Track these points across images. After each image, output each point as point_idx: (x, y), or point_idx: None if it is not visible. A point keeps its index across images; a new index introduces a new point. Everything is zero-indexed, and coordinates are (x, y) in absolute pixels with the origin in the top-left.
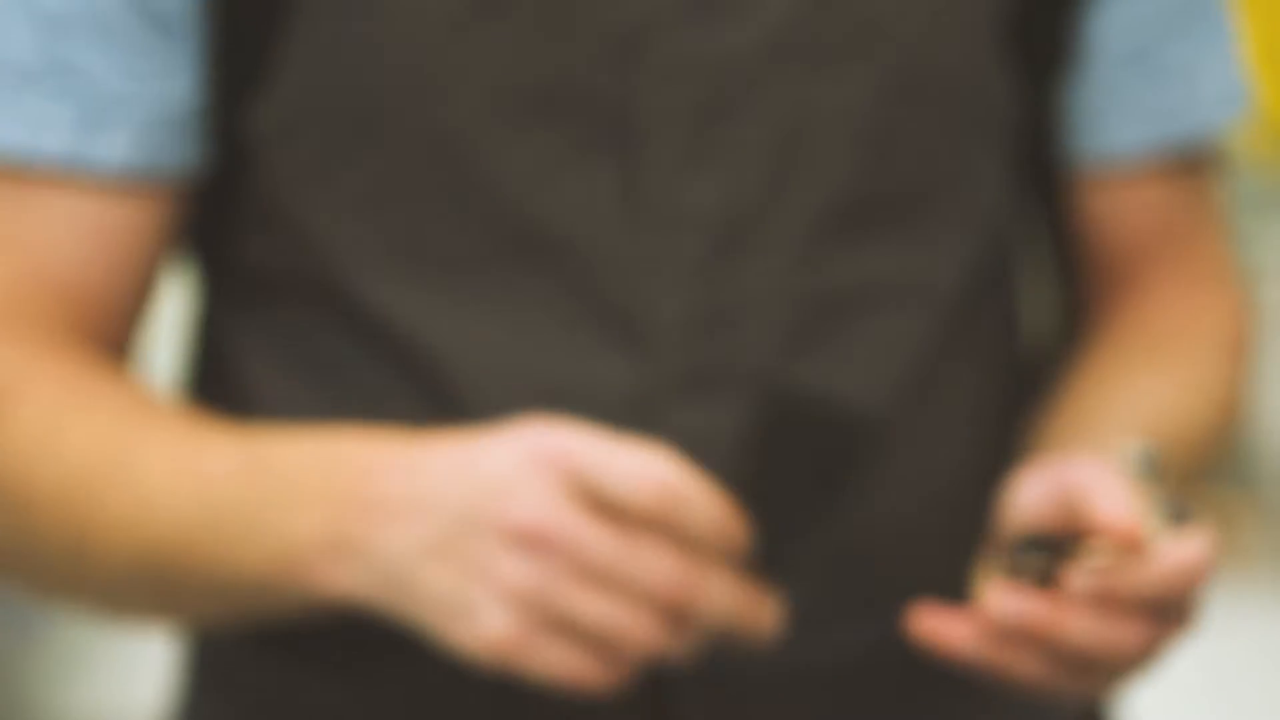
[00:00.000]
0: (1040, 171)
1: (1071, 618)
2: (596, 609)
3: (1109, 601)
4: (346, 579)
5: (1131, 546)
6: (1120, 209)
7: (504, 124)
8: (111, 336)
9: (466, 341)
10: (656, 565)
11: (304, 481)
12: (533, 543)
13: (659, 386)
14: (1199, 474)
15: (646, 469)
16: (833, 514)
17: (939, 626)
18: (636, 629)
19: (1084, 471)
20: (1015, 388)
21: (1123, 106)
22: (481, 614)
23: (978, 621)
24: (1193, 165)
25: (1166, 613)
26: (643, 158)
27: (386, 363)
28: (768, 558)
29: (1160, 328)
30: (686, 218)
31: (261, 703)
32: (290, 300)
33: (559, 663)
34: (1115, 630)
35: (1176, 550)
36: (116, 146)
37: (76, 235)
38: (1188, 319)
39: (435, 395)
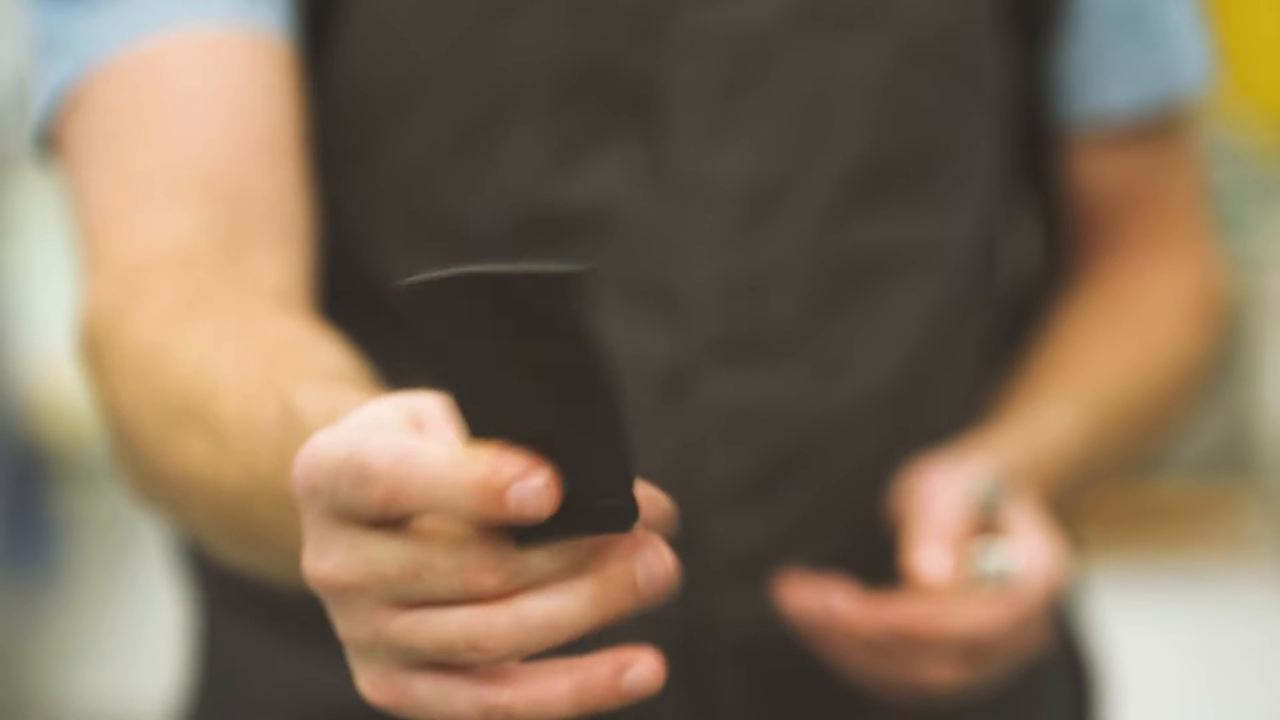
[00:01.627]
0: (1028, 132)
1: (874, 639)
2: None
3: (906, 640)
4: None
5: (934, 596)
6: (1103, 167)
7: (532, 102)
8: (273, 222)
9: None
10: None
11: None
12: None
13: (695, 355)
14: (1160, 432)
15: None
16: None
17: (796, 594)
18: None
19: (931, 502)
20: (1002, 326)
21: (1114, 67)
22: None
23: (817, 604)
24: (1173, 124)
25: (969, 658)
26: (668, 132)
27: (410, 344)
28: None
29: (1129, 290)
30: (714, 189)
31: (265, 691)
32: (316, 282)
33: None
34: (911, 663)
35: (977, 613)
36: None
37: (222, 111)
38: (1157, 280)
39: None
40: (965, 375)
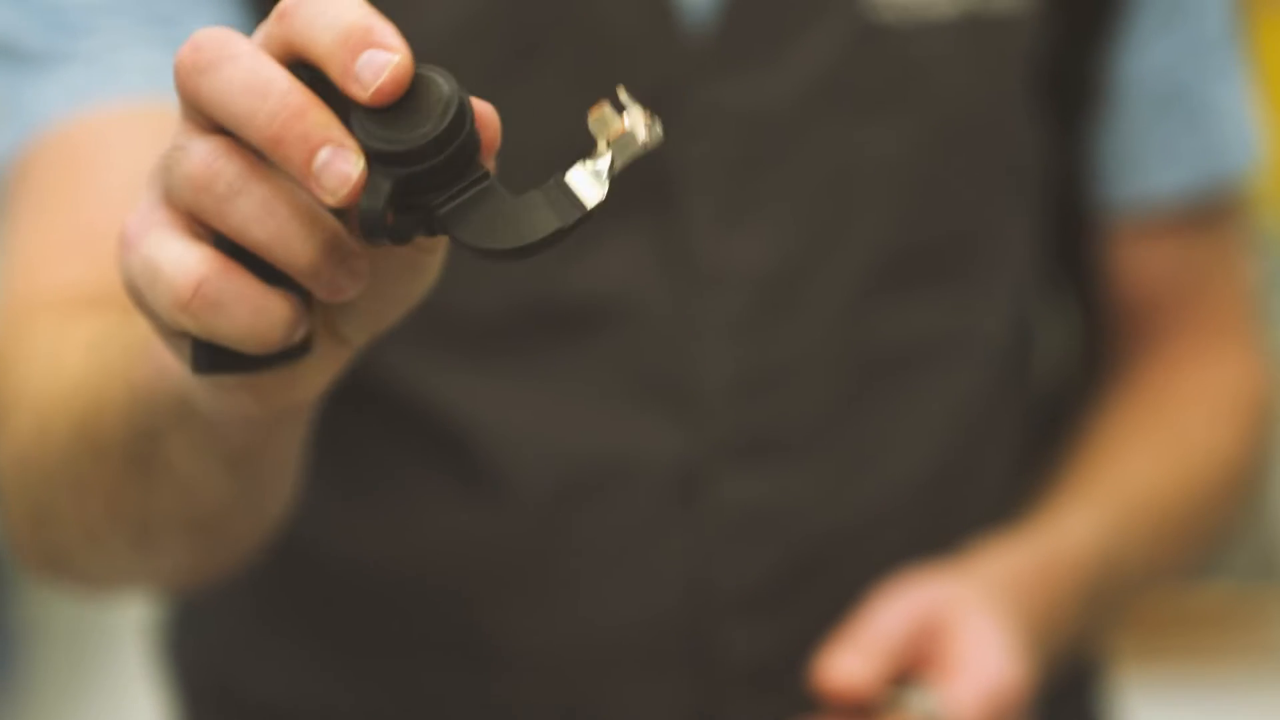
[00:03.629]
0: (1066, 217)
1: None
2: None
3: None
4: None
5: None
6: (1145, 256)
7: (535, 177)
8: None
9: (503, 417)
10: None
11: None
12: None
13: (708, 454)
14: (1202, 535)
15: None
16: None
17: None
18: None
19: (878, 612)
20: (1037, 422)
21: (1156, 149)
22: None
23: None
24: (1220, 210)
25: None
26: (683, 216)
27: (415, 441)
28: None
29: (1169, 388)
30: (731, 277)
31: None
32: None
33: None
34: None
35: None
36: None
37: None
38: (1199, 378)
39: (469, 474)
40: (997, 475)
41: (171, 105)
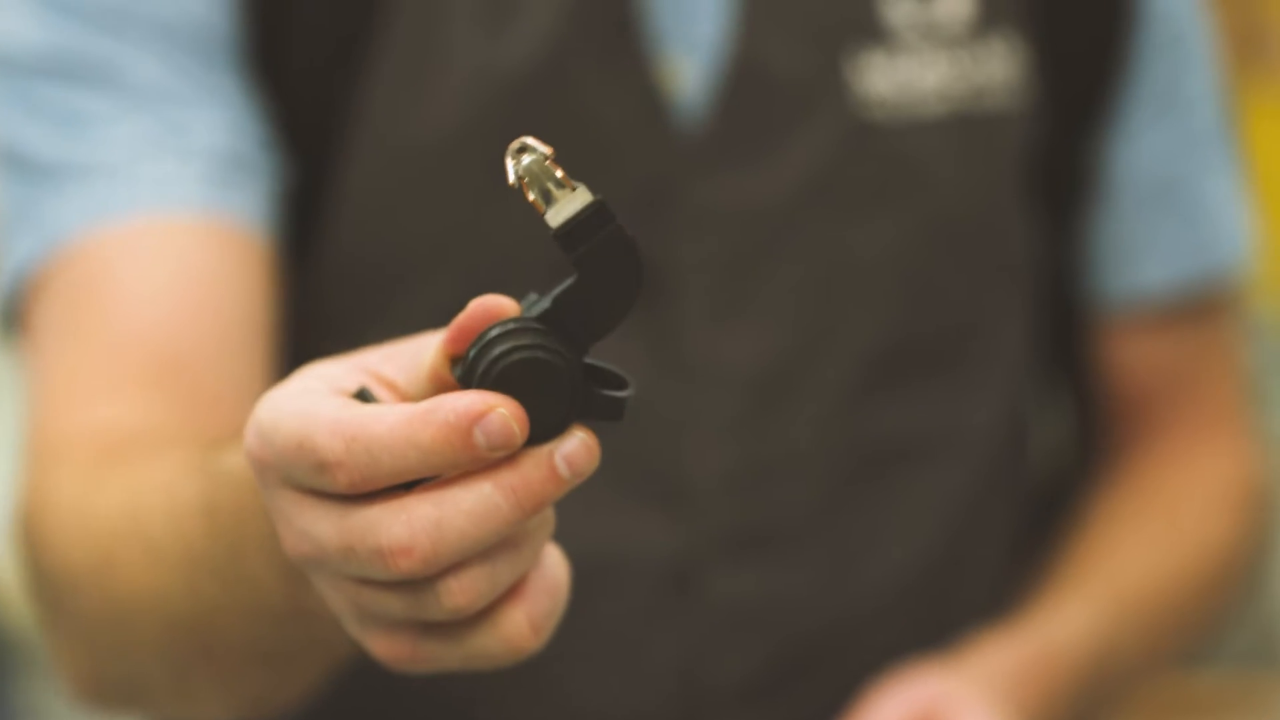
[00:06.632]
0: (1060, 310)
1: None
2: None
3: None
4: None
5: None
6: (1138, 350)
7: (534, 276)
8: (220, 420)
9: None
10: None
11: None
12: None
13: (701, 549)
14: (1198, 624)
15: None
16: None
17: None
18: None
19: (874, 709)
20: (1032, 514)
21: (1149, 244)
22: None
23: None
24: (1213, 304)
25: None
26: (676, 313)
27: None
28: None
29: (1163, 479)
30: (723, 373)
31: None
32: None
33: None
34: None
35: None
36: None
37: (180, 302)
38: (1193, 470)
39: None
40: (990, 568)
41: (186, 218)
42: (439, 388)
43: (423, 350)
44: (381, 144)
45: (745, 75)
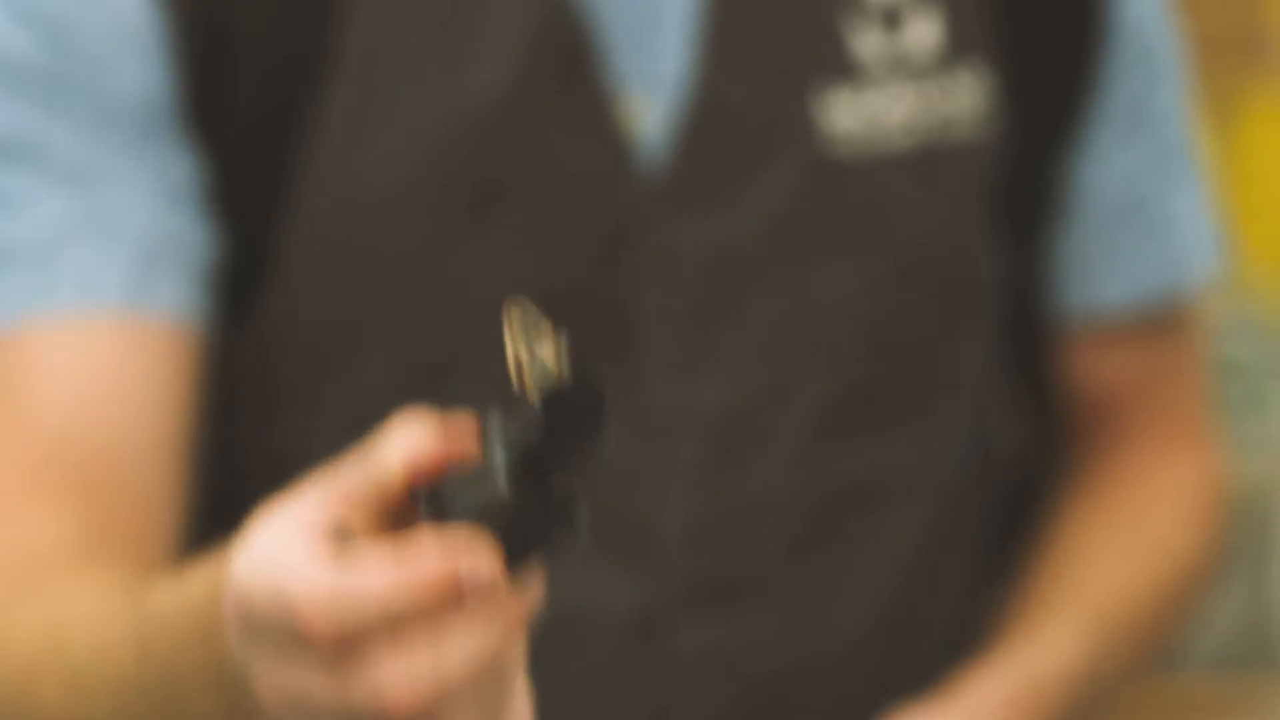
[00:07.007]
0: (1022, 325)
1: None
2: None
3: None
4: None
5: None
6: (1102, 363)
7: (491, 336)
8: (136, 527)
9: None
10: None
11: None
12: None
13: (665, 599)
14: (1165, 635)
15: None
16: None
17: None
18: None
19: None
20: (999, 522)
21: (1113, 260)
22: None
23: None
24: (1176, 317)
25: None
26: (639, 361)
27: None
28: None
29: (1129, 491)
30: (687, 421)
31: None
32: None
33: None
34: None
35: None
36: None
37: (96, 404)
38: (1158, 481)
39: None
40: (956, 600)
41: (106, 315)
42: (394, 512)
43: (380, 478)
44: (330, 194)
45: (709, 114)
